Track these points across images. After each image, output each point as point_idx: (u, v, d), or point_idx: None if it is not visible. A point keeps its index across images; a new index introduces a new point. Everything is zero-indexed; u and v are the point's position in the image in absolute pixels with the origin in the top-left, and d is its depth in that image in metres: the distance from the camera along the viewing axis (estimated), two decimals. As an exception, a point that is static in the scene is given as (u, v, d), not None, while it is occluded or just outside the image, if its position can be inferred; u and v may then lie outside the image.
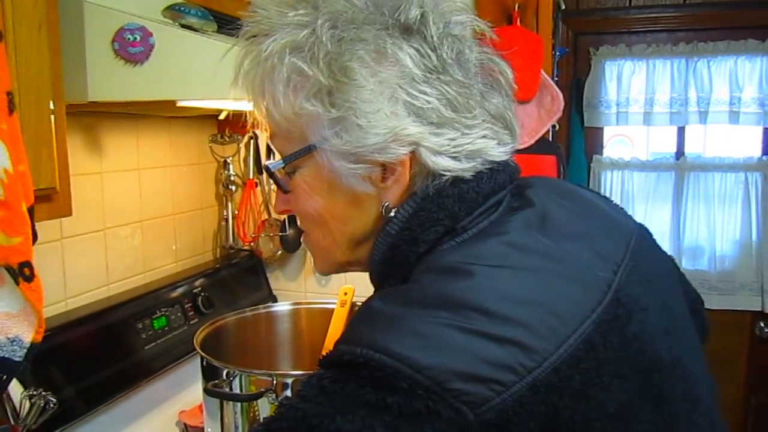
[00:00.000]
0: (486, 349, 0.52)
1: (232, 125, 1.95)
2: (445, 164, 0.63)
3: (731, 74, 2.42)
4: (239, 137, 1.97)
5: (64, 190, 1.00)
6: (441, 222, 0.63)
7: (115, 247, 1.60)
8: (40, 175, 0.93)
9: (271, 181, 0.70)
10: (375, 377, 0.52)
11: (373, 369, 0.52)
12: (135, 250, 1.68)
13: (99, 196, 1.55)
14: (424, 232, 0.63)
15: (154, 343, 1.50)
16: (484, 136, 0.64)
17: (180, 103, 1.24)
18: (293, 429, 0.54)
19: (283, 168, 0.68)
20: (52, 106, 0.96)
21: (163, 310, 1.57)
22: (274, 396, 1.02)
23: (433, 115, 0.62)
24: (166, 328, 1.56)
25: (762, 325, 2.45)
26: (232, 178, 1.97)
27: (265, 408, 1.04)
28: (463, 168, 0.63)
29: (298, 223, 0.71)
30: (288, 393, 1.02)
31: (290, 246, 1.97)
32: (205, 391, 1.06)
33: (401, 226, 0.64)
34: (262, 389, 1.02)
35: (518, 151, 1.98)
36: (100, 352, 1.38)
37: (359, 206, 0.66)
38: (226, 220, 1.98)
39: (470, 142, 0.63)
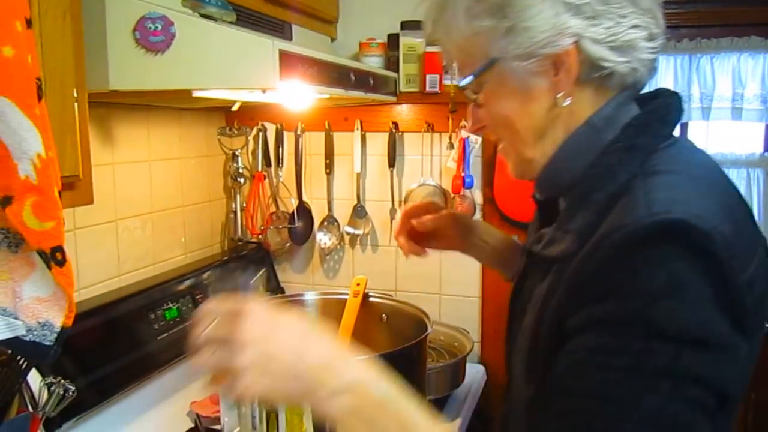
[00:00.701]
0: (747, 225, 0.71)
1: (241, 117, 1.96)
2: (603, 54, 0.73)
3: (734, 71, 2.43)
4: (248, 130, 1.97)
5: (86, 178, 1.01)
6: (670, 123, 0.77)
7: (126, 238, 1.61)
8: (64, 163, 0.93)
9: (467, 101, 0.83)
10: (698, 244, 0.61)
11: (695, 235, 0.61)
12: (145, 241, 1.68)
13: (111, 187, 1.55)
14: (663, 127, 0.76)
15: (166, 334, 1.51)
16: (635, 26, 0.73)
17: (195, 93, 1.24)
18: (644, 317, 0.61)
19: (471, 85, 0.79)
20: (75, 95, 0.97)
21: (174, 301, 1.58)
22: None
23: (588, 9, 0.72)
24: (178, 319, 1.56)
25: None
26: (241, 170, 1.97)
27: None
28: (620, 61, 0.73)
29: (491, 135, 0.85)
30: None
31: (298, 238, 1.97)
32: (225, 378, 1.06)
33: (635, 122, 0.76)
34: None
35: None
36: (114, 342, 1.39)
37: (537, 100, 0.76)
38: (235, 213, 1.99)
39: (623, 31, 0.73)
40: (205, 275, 1.73)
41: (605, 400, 0.61)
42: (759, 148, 2.42)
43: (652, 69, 0.79)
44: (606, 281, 0.64)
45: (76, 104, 0.97)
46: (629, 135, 0.75)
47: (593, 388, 0.62)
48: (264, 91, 1.18)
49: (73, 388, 1.11)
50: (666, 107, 0.78)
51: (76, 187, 1.00)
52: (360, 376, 0.64)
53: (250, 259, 1.95)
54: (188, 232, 1.86)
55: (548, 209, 0.88)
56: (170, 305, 1.56)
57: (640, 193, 0.68)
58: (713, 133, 2.53)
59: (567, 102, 0.75)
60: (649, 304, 0.61)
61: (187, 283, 1.66)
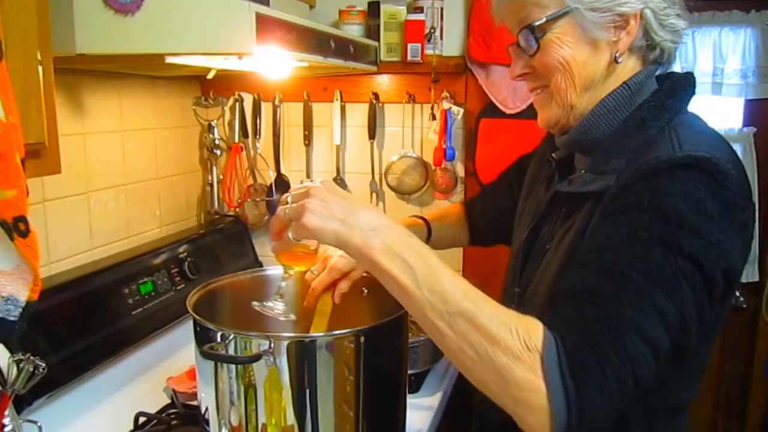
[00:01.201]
0: (747, 184, 0.80)
1: (217, 87, 1.90)
2: (655, 27, 0.86)
3: (715, 45, 2.42)
4: (224, 100, 1.92)
5: (52, 145, 0.96)
6: (690, 93, 0.90)
7: (99, 210, 1.56)
8: (28, 129, 0.88)
9: (521, 45, 0.90)
10: (717, 178, 0.74)
11: (715, 170, 0.74)
12: (118, 214, 1.63)
13: (82, 158, 1.50)
14: (685, 95, 0.89)
15: (141, 309, 1.47)
16: (678, 15, 0.88)
17: (168, 60, 1.19)
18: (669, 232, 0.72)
19: (537, 28, 0.86)
20: (39, 57, 0.91)
21: (149, 275, 1.54)
22: (272, 358, 1.00)
23: None
24: (153, 294, 1.53)
25: (737, 294, 2.50)
26: (217, 141, 1.92)
27: (261, 371, 1.02)
28: (665, 38, 0.88)
29: (534, 83, 0.92)
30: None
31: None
32: (202, 353, 1.04)
33: (664, 88, 0.88)
34: (260, 351, 1.00)
35: (512, 116, 1.94)
36: (87, 317, 1.35)
37: (598, 52, 0.87)
38: (211, 185, 1.95)
39: (671, 15, 0.87)
40: (181, 249, 1.69)
41: (603, 251, 0.75)
42: (738, 123, 2.43)
43: (675, 54, 0.92)
44: (631, 191, 0.77)
45: (40, 67, 0.92)
46: (660, 97, 0.87)
47: (594, 246, 0.77)
48: (240, 57, 1.14)
49: (44, 365, 1.07)
50: (686, 80, 0.91)
51: (42, 156, 0.95)
52: (394, 223, 0.79)
53: (227, 232, 1.91)
54: (163, 205, 1.81)
55: (563, 167, 0.99)
56: (145, 279, 1.52)
57: (671, 138, 0.81)
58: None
59: (621, 60, 0.87)
60: (657, 198, 0.74)
61: (163, 257, 1.62)
